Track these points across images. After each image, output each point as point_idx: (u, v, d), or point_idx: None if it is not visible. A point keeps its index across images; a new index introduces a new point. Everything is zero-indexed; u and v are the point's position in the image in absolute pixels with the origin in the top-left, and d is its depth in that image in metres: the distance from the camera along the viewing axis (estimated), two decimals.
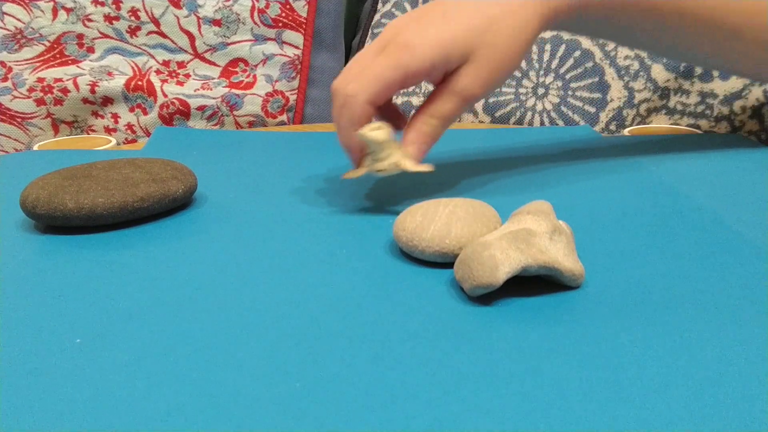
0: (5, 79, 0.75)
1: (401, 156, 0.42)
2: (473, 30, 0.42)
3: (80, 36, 0.77)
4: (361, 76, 0.41)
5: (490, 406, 0.25)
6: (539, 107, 0.77)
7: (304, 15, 0.84)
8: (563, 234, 0.34)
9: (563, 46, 0.76)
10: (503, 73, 0.44)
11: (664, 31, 0.51)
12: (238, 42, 0.81)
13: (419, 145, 0.44)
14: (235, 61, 0.81)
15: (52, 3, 0.75)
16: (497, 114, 0.77)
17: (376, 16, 0.94)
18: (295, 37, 0.84)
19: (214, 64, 0.81)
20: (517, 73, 0.77)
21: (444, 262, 0.37)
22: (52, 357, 0.29)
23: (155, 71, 0.79)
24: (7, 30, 0.75)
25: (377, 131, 0.40)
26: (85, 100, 0.77)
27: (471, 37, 0.42)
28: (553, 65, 0.76)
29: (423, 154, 0.44)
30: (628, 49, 0.72)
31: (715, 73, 0.70)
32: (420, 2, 0.91)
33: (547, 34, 0.78)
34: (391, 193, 0.49)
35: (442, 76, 0.43)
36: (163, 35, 0.78)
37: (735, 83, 0.69)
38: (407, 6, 0.92)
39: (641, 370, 0.27)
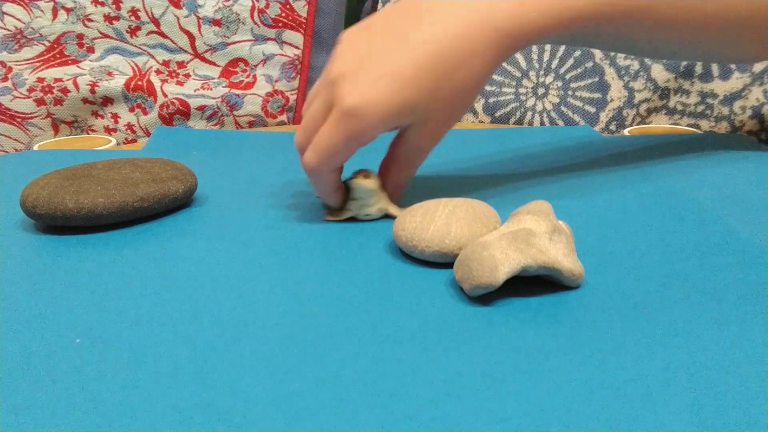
0: (5, 79, 0.75)
1: (387, 202, 0.44)
2: (423, 92, 0.39)
3: (80, 36, 0.77)
4: (316, 148, 0.40)
5: (490, 406, 0.25)
6: (539, 107, 0.77)
7: (304, 15, 0.84)
8: (563, 234, 0.34)
9: (563, 46, 0.76)
10: (454, 122, 0.43)
11: (660, 39, 0.49)
12: (238, 42, 0.81)
13: (401, 194, 0.46)
14: (235, 61, 0.81)
15: (52, 3, 0.75)
16: (497, 114, 0.77)
17: None
18: (295, 37, 0.84)
19: (214, 64, 0.81)
20: (518, 73, 0.77)
21: (444, 262, 0.37)
22: (52, 357, 0.29)
23: (155, 71, 0.79)
24: (7, 30, 0.75)
25: (368, 180, 0.42)
26: (85, 100, 0.77)
27: (420, 101, 0.39)
28: (553, 65, 0.76)
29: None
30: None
31: (715, 73, 0.70)
32: None
33: None
34: None
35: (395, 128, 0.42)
36: (163, 35, 0.78)
37: (735, 83, 0.69)
38: None
39: (641, 370, 0.27)
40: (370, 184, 0.42)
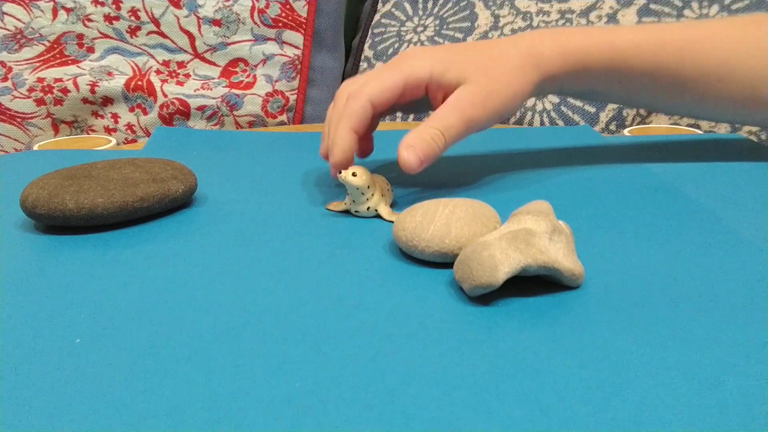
0: (5, 79, 0.75)
1: (378, 201, 0.44)
2: (472, 61, 0.47)
3: (80, 36, 0.77)
4: (374, 80, 0.46)
5: (490, 406, 0.25)
6: (539, 107, 0.77)
7: (304, 15, 0.84)
8: (563, 234, 0.34)
9: None
10: (499, 99, 0.47)
11: (638, 92, 0.53)
12: (238, 42, 0.81)
13: (415, 149, 0.43)
14: (235, 61, 0.81)
15: (52, 3, 0.75)
16: None
17: (376, 16, 0.94)
18: (295, 37, 0.84)
19: (214, 64, 0.81)
20: None
21: (444, 262, 0.37)
22: (52, 357, 0.29)
23: (155, 71, 0.79)
24: (7, 30, 0.75)
25: (355, 178, 0.42)
26: (85, 100, 0.77)
27: (469, 64, 0.47)
28: None
29: (418, 162, 0.43)
30: None
31: None
32: (420, 3, 0.91)
33: None
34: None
35: (442, 97, 0.47)
36: (163, 35, 0.78)
37: None
38: (407, 6, 0.92)
39: (641, 370, 0.27)
40: (356, 181, 0.42)
